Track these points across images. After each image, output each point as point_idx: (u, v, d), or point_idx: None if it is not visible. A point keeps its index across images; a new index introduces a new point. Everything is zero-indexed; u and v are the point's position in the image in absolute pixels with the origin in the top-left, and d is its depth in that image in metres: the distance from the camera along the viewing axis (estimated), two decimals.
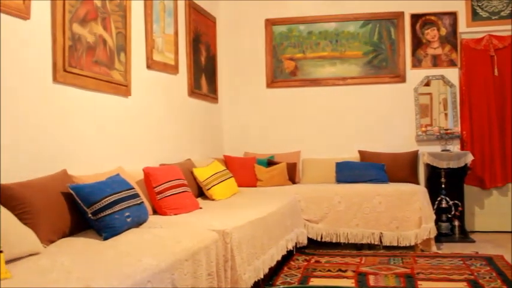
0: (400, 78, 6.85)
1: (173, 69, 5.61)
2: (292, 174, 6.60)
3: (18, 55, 3.31)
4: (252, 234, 3.84)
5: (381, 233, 5.66)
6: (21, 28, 3.33)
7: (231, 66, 7.36)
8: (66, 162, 3.65)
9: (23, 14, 3.30)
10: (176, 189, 4.38)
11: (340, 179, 6.36)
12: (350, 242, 5.74)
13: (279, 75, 7.22)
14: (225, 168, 5.80)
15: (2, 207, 2.84)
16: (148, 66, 5.07)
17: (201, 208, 4.52)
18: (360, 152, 6.75)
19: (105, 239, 3.13)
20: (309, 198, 5.83)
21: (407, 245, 5.60)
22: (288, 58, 7.20)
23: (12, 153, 3.20)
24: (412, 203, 5.64)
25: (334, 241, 5.75)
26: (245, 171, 6.41)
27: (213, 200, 5.16)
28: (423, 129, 6.75)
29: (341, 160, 6.57)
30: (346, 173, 6.37)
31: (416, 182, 6.46)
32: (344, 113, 7.00)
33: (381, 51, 6.93)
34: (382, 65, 6.93)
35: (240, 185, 5.93)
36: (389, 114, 6.86)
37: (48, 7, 3.59)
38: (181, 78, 5.92)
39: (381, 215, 5.67)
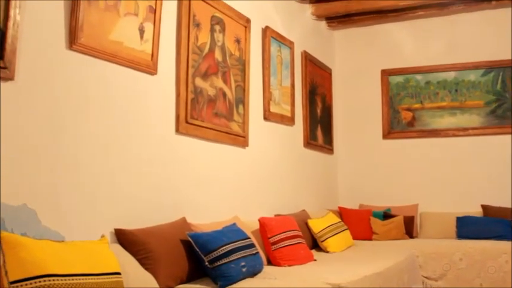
0: None
1: (289, 120, 5.70)
2: (409, 228, 6.36)
3: (146, 107, 3.52)
4: None
5: None
6: (149, 82, 3.55)
7: (346, 117, 7.35)
8: (185, 210, 3.77)
9: (151, 69, 3.52)
10: (291, 240, 4.36)
11: (461, 235, 6.03)
12: None
13: (396, 126, 7.08)
14: (340, 220, 5.71)
15: (125, 251, 2.98)
16: (266, 118, 5.18)
17: (315, 260, 4.46)
18: (483, 206, 6.38)
19: (221, 287, 3.17)
20: (427, 253, 5.57)
21: None
22: (405, 108, 7.06)
23: (135, 200, 3.36)
24: None
25: None
26: (360, 223, 6.28)
27: (327, 252, 5.08)
28: None
29: (462, 215, 6.24)
30: (468, 228, 6.03)
31: None
32: (465, 165, 6.68)
33: (504, 100, 6.61)
34: (506, 115, 6.57)
35: (355, 238, 5.81)
36: None
37: (173, 63, 3.81)
38: (297, 130, 5.98)
39: (508, 275, 5.26)
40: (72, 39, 2.89)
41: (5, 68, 2.50)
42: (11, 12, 2.53)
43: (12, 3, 2.54)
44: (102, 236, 2.66)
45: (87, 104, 3.04)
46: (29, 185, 2.64)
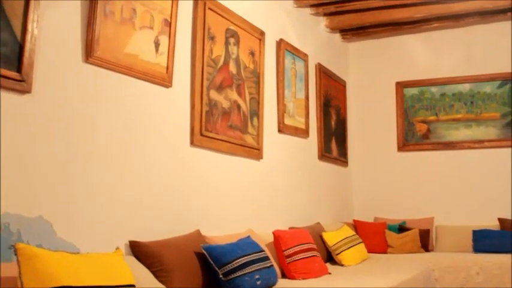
0: None
1: (304, 133, 5.69)
2: (425, 242, 6.31)
3: (160, 120, 3.53)
4: None
5: None
6: (164, 95, 3.57)
7: (361, 129, 7.32)
8: (200, 223, 3.77)
9: (166, 82, 3.54)
10: (305, 253, 4.34)
11: (477, 248, 5.96)
12: None
13: (411, 138, 7.05)
14: (354, 233, 5.68)
15: (140, 264, 2.98)
16: (280, 130, 5.18)
17: (330, 273, 4.43)
18: (500, 219, 6.30)
19: None
20: (443, 267, 5.50)
21: None
22: (420, 121, 7.02)
23: (150, 212, 3.37)
24: None
25: None
26: (375, 236, 6.23)
27: (342, 265, 5.04)
28: None
29: (478, 228, 6.16)
30: (484, 242, 5.95)
31: None
32: (481, 177, 6.61)
33: None
34: None
35: (369, 251, 5.76)
36: None
37: (188, 75, 3.83)
38: (312, 142, 5.97)
39: None
40: (89, 52, 2.92)
41: (22, 81, 2.53)
42: (29, 26, 2.57)
43: (30, 17, 2.57)
44: (117, 248, 2.67)
45: (103, 116, 3.06)
46: (45, 197, 2.66)
